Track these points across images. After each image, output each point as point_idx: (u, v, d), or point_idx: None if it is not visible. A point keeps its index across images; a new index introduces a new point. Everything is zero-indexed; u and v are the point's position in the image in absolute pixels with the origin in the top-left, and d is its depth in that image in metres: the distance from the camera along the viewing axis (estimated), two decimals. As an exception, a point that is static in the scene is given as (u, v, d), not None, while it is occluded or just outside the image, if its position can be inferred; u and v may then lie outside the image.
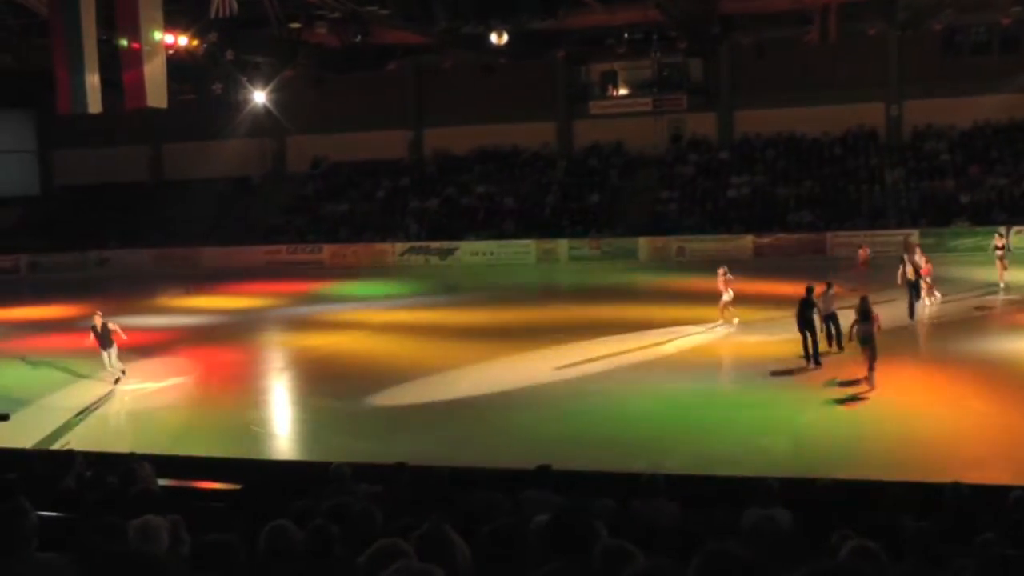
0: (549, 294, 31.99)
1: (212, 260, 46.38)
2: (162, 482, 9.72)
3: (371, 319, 29.48)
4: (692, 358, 21.61)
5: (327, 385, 21.03)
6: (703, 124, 48.38)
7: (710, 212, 44.31)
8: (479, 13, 35.20)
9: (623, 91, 49.51)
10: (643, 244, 42.77)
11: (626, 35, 40.88)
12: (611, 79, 49.33)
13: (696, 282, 33.45)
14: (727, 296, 24.56)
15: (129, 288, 39.48)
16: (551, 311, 28.55)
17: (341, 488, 8.70)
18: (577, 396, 18.80)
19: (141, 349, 26.30)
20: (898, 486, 8.88)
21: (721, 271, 24.93)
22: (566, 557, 4.16)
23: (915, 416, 16.61)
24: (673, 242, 42.56)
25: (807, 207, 43.03)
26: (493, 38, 35.47)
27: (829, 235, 40.52)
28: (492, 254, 44.36)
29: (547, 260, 43.01)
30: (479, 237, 45.46)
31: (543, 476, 9.35)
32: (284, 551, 4.94)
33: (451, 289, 34.98)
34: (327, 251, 46.71)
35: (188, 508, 7.02)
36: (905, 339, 22.80)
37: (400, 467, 10.20)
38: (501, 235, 45.52)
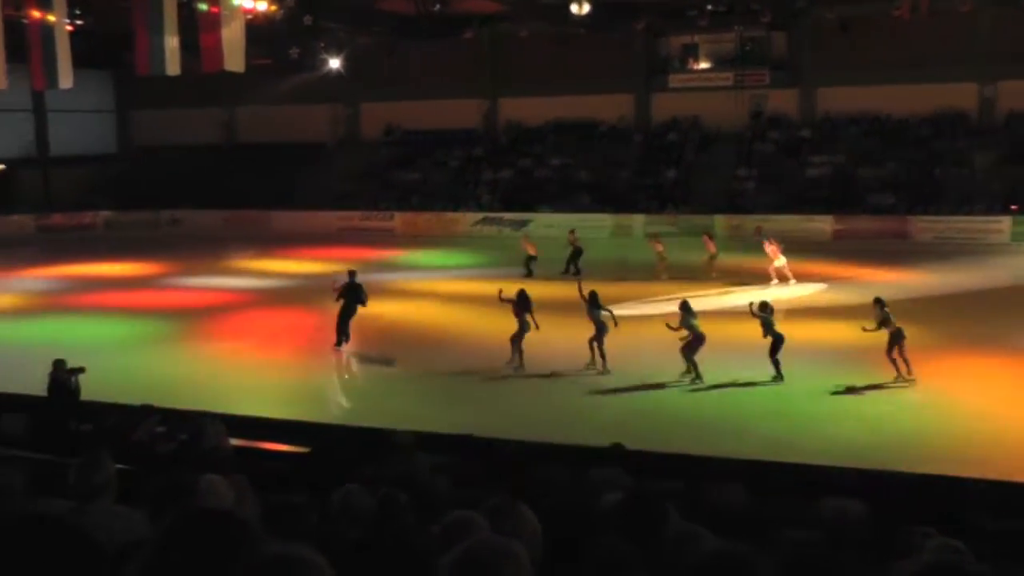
0: (623, 269, 31.55)
1: (283, 224, 46.62)
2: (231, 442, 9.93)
3: (441, 288, 29.42)
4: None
5: (393, 352, 21.04)
6: (784, 101, 47.33)
7: (788, 191, 43.27)
8: (560, -18, 35.12)
9: (703, 65, 48.58)
10: (719, 222, 41.74)
11: (708, 7, 40.09)
12: (691, 52, 48.57)
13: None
14: (779, 262, 28.32)
15: (200, 249, 40.11)
16: (625, 286, 27.85)
17: (406, 457, 8.78)
18: (650, 374, 18.58)
19: (210, 310, 27.23)
20: (978, 484, 8.70)
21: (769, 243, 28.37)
22: (636, 538, 4.15)
23: (995, 416, 16.15)
24: (750, 221, 40.82)
25: (889, 190, 41.80)
26: (573, 8, 35.21)
27: (912, 219, 39.47)
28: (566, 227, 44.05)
29: (622, 235, 42.32)
30: (553, 210, 44.91)
31: (613, 454, 9.26)
32: (354, 515, 5.00)
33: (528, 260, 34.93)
34: (398, 219, 46.83)
35: (255, 468, 7.14)
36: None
37: (467, 439, 10.33)
38: (575, 208, 44.72)
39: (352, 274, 21.77)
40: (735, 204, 43.58)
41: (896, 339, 17.90)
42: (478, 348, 20.93)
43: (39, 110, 52.55)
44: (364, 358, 21.29)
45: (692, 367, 18.19)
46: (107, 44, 41.69)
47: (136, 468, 7.66)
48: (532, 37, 45.55)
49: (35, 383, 14.91)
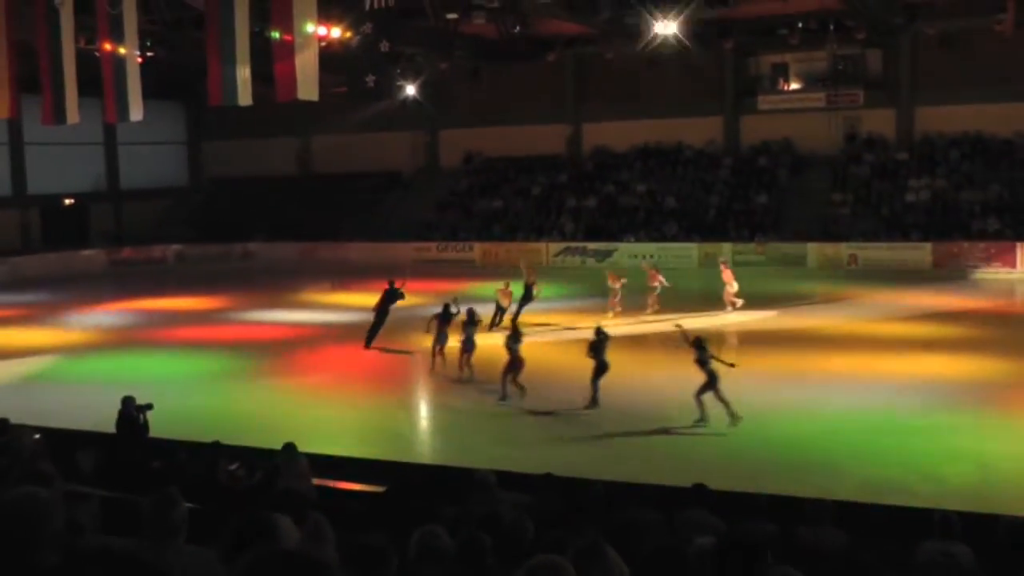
0: (711, 301, 31.50)
1: (360, 256, 46.43)
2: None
3: (524, 320, 28.57)
4: (862, 375, 20.82)
5: (473, 387, 20.84)
6: (880, 121, 46.47)
7: (886, 217, 42.61)
8: (644, 1, 34.06)
9: (795, 85, 48.42)
10: (812, 250, 41.63)
11: (800, 24, 39.87)
12: (782, 72, 48.38)
13: (868, 294, 33.20)
14: (732, 287, 28.88)
15: (273, 282, 40.43)
16: (712, 318, 27.93)
17: (487, 496, 8.72)
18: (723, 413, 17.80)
19: (284, 343, 27.21)
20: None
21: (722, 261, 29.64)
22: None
23: None
24: (844, 249, 41.28)
25: (994, 214, 40.85)
26: (659, 28, 35.02)
27: (1019, 245, 38.48)
28: (651, 257, 42.05)
29: (710, 264, 40.04)
30: (638, 239, 44.93)
31: (700, 495, 9.21)
32: (435, 557, 5.00)
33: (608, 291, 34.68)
34: (478, 249, 46.84)
35: (334, 508, 7.09)
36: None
37: (548, 478, 10.28)
38: (662, 237, 44.80)
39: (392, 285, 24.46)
40: (829, 231, 43.00)
41: (712, 383, 17.34)
42: (562, 383, 20.40)
43: (110, 143, 53.49)
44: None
45: (699, 406, 17.38)
46: (179, 75, 42.67)
47: (208, 506, 7.65)
48: (617, 59, 45.20)
49: (106, 420, 14.97)
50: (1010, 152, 43.63)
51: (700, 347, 17.14)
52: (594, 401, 18.50)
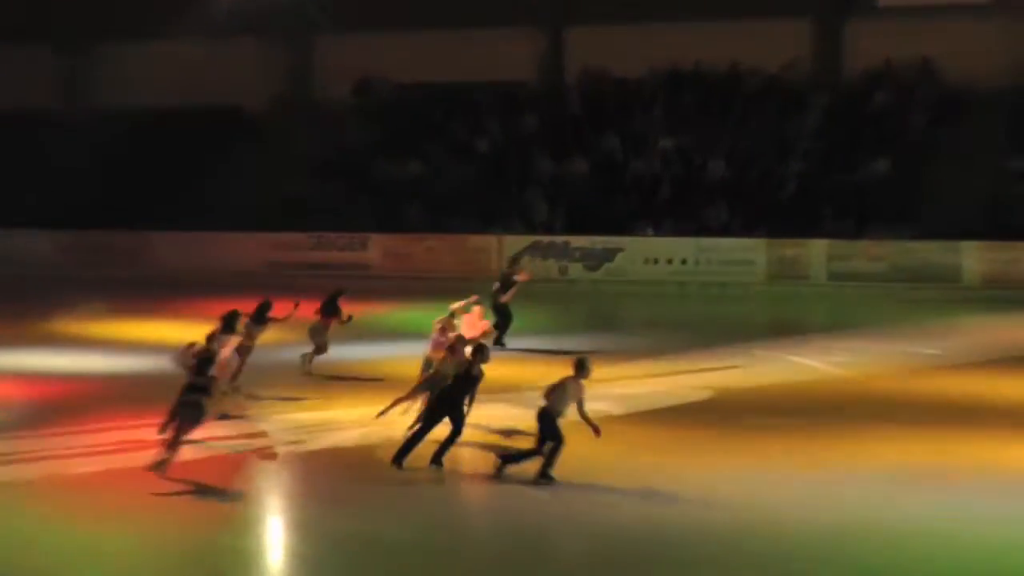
0: (790, 343, 31.17)
1: (168, 255, 48.49)
2: None
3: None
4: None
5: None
6: None
7: None
8: None
9: (938, -34, 49.40)
10: (971, 255, 42.77)
11: None
12: (916, -57, 49.48)
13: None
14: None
15: (7, 298, 40.48)
16: (802, 373, 28.13)
17: None
18: (875, 530, 17.94)
19: (31, 409, 26.21)
20: None
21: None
22: None
23: None
24: (1018, 253, 42.54)
25: None
26: None
27: None
28: (686, 263, 44.91)
29: (788, 277, 43.65)
30: (662, 231, 45.80)
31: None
32: None
33: (608, 324, 35.71)
34: (376, 246, 48.10)
35: None
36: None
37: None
38: (702, 228, 45.61)
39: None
40: (999, 219, 43.73)
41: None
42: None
43: None
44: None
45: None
46: None
47: None
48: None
49: None
50: None
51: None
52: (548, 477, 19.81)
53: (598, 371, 21.96)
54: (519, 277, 32.04)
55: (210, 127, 53.61)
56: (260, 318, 26.72)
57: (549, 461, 19.73)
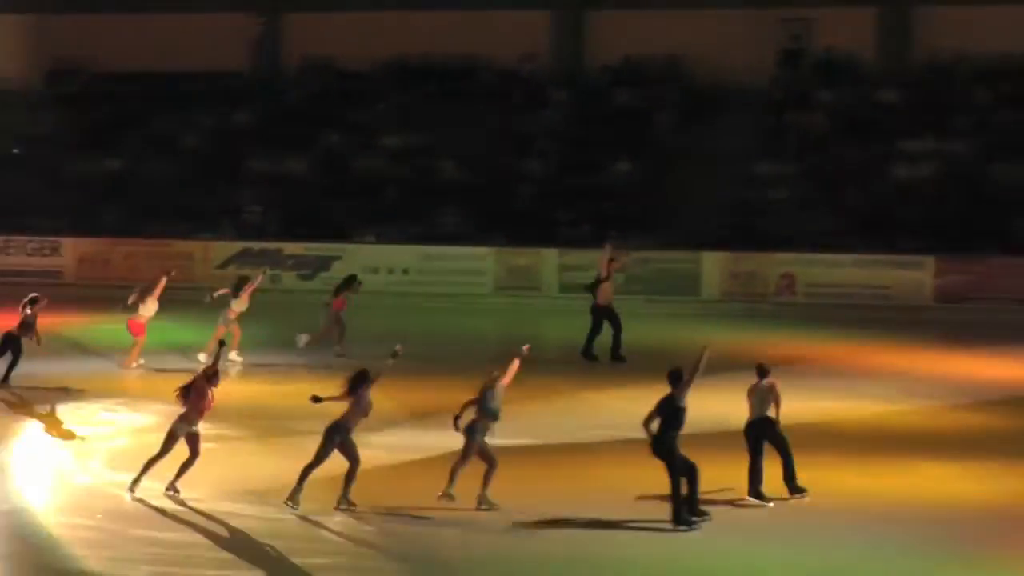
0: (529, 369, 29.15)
1: None
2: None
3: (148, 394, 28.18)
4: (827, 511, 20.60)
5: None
6: (851, 30, 48.80)
7: (856, 208, 44.73)
8: None
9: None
10: (712, 266, 43.34)
11: None
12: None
13: (818, 350, 34.73)
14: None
15: None
16: (542, 403, 27.12)
17: None
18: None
19: None
20: None
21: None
22: None
23: None
24: (774, 265, 42.85)
25: None
26: None
27: None
28: (408, 272, 44.88)
29: (518, 288, 43.50)
30: (385, 237, 45.88)
31: None
32: None
33: (315, 341, 34.56)
34: (69, 251, 46.84)
35: None
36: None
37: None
38: (431, 235, 45.66)
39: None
40: (748, 231, 44.39)
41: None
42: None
43: None
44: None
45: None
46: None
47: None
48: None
49: None
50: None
51: None
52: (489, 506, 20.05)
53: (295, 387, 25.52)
54: None
55: None
56: None
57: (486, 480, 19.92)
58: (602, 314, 31.75)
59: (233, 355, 30.84)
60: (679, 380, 19.57)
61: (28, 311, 28.66)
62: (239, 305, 30.92)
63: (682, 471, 19.48)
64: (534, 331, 38.71)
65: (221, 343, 24.21)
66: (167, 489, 19.64)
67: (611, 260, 32.44)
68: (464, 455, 19.68)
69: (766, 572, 18.56)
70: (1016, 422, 26.69)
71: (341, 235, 46.63)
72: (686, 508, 19.54)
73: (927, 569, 18.23)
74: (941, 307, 42.32)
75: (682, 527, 19.48)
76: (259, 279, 33.12)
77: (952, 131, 47.78)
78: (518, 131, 49.22)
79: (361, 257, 44.79)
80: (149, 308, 31.14)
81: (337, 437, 19.29)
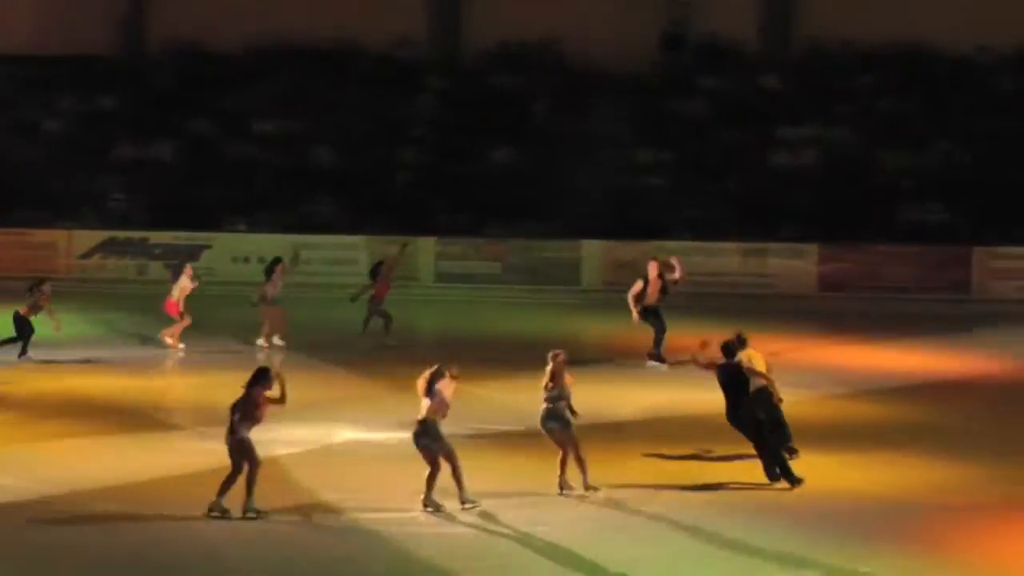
0: (398, 358, 29.53)
1: None
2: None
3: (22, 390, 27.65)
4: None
5: None
6: (731, 13, 48.90)
7: (737, 196, 45.11)
8: None
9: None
10: (590, 253, 43.67)
11: None
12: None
13: (698, 340, 32.64)
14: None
15: None
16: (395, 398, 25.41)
17: None
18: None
19: None
20: None
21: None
22: None
23: None
24: (642, 252, 40.24)
25: (935, 195, 44.63)
26: None
27: (976, 251, 42.63)
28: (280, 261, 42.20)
29: (393, 277, 41.34)
30: (256, 226, 45.60)
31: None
32: None
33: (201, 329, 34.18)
34: None
35: None
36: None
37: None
38: (306, 223, 45.37)
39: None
40: (628, 219, 44.37)
41: None
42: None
43: None
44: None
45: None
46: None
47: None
48: None
49: None
50: (966, 77, 47.60)
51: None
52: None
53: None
54: None
55: None
56: None
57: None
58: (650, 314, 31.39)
59: (260, 341, 31.44)
60: (733, 352, 20.81)
61: (37, 293, 29.28)
62: (271, 289, 31.78)
63: (765, 432, 20.73)
64: (408, 321, 38.22)
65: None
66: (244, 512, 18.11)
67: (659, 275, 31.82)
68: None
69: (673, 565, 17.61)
70: (897, 411, 27.04)
71: (211, 223, 46.15)
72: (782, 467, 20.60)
73: (801, 555, 17.83)
74: (824, 296, 42.89)
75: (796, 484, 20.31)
76: (286, 266, 33.54)
77: (835, 117, 48.47)
78: (394, 117, 49.18)
79: (230, 246, 45.01)
80: (184, 288, 31.94)
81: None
